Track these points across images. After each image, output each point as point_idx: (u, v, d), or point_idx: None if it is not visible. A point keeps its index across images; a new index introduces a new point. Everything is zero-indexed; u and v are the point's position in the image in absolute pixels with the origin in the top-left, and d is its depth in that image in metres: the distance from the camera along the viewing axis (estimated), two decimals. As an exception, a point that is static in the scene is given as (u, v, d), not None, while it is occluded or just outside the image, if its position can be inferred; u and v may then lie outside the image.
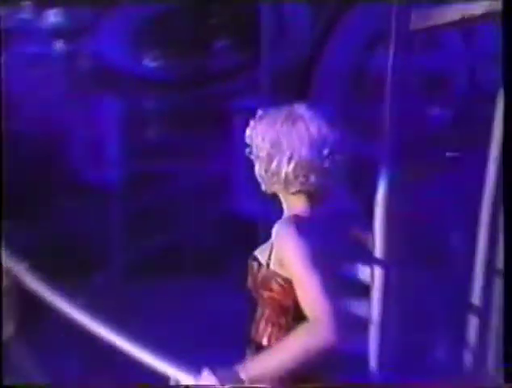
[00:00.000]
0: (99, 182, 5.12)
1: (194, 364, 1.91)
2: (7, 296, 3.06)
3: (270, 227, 1.86)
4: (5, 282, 3.04)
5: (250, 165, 1.94)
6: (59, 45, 5.44)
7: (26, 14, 5.46)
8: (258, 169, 1.88)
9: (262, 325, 1.96)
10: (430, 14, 3.28)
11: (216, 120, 5.36)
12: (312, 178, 1.82)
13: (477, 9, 3.08)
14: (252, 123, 1.89)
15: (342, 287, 2.09)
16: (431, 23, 3.18)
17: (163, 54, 5.82)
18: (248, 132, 1.90)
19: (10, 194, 4.32)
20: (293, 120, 1.83)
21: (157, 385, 2.43)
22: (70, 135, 5.34)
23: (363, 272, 2.82)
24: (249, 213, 4.43)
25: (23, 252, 3.68)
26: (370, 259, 2.66)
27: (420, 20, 2.99)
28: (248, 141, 1.89)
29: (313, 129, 1.81)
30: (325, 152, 1.81)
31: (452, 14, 3.21)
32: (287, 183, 1.83)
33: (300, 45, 5.52)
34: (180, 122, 5.54)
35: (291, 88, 5.16)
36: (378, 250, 2.67)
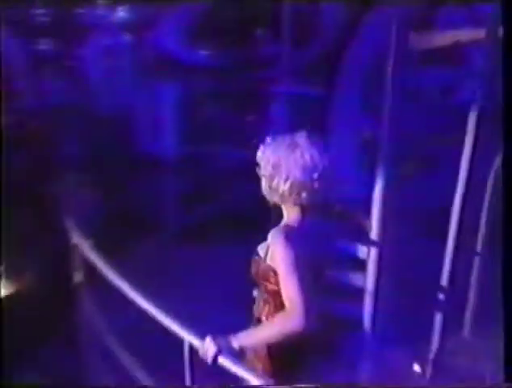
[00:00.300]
0: (158, 157, 5.52)
1: (233, 323, 2.22)
2: (74, 251, 3.39)
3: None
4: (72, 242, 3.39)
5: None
6: (127, 38, 6.01)
7: (100, 11, 6.09)
8: (264, 184, 2.25)
9: (261, 304, 2.37)
10: (428, 37, 3.70)
11: (256, 103, 5.82)
12: (304, 195, 2.19)
13: (466, 35, 3.60)
14: (262, 147, 2.24)
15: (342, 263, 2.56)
16: (428, 45, 3.63)
17: (212, 44, 6.31)
18: (258, 154, 2.24)
19: (84, 167, 5.00)
20: (292, 148, 2.17)
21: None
22: (136, 116, 5.83)
23: (362, 251, 3.35)
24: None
25: (93, 219, 4.25)
26: (367, 240, 3.22)
27: (419, 42, 3.37)
28: (258, 160, 2.25)
29: (307, 156, 2.15)
30: (315, 175, 2.16)
31: (446, 38, 3.71)
32: (283, 198, 2.22)
33: (328, 38, 5.84)
34: (226, 104, 6.02)
35: (321, 75, 5.56)
36: (374, 233, 3.19)
